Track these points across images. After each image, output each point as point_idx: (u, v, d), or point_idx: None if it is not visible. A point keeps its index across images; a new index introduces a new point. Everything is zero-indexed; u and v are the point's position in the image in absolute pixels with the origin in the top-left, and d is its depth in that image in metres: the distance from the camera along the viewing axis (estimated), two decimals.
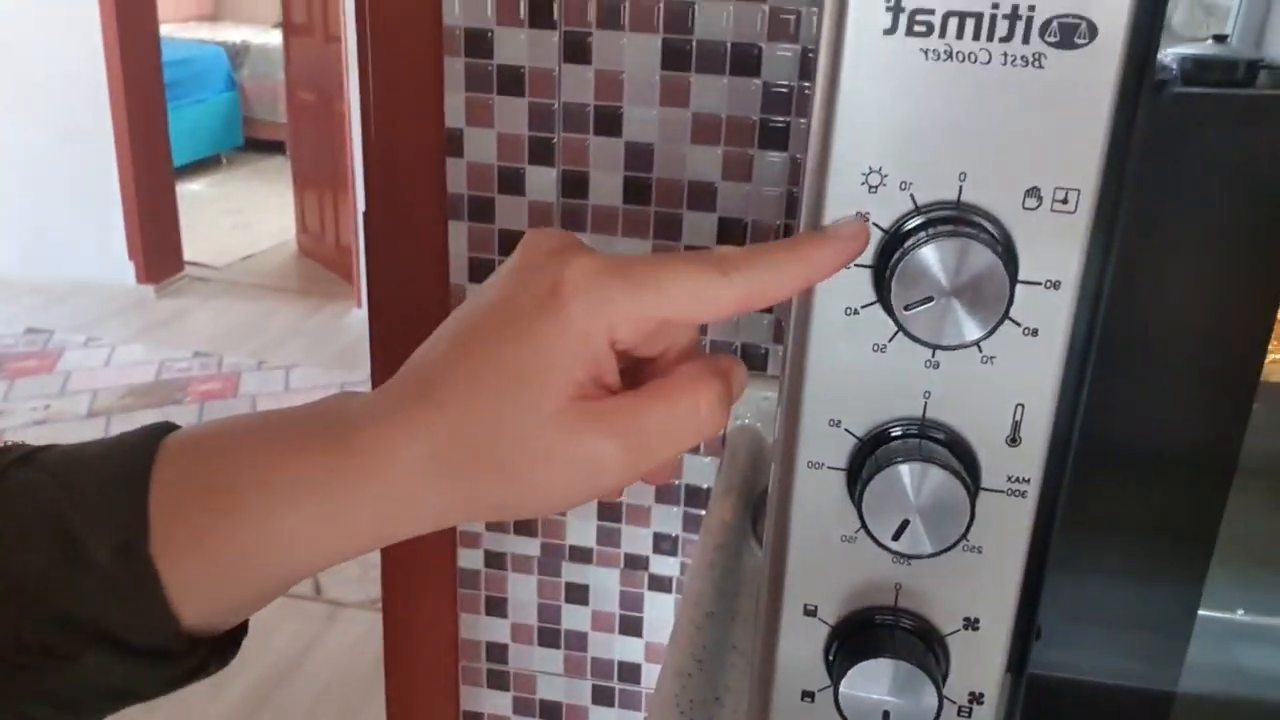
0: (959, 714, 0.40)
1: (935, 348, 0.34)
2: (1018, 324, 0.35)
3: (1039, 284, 0.34)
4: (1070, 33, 0.32)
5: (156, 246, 3.78)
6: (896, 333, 0.35)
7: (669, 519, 1.00)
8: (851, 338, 0.36)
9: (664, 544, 1.01)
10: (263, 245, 4.40)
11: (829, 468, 0.38)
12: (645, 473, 0.35)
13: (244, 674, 1.94)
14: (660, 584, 1.02)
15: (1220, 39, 0.41)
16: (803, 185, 0.36)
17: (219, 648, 0.35)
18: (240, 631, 0.36)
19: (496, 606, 1.06)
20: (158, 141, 3.75)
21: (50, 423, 2.84)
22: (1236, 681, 0.43)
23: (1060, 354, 0.35)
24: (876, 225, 0.35)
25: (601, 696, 1.07)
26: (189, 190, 4.92)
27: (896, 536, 0.36)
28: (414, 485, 0.33)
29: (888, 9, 0.33)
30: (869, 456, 0.37)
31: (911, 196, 0.34)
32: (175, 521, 0.33)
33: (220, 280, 4.05)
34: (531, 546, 1.02)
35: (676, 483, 0.99)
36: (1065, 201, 0.34)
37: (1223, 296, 0.35)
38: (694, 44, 0.85)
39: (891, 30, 0.33)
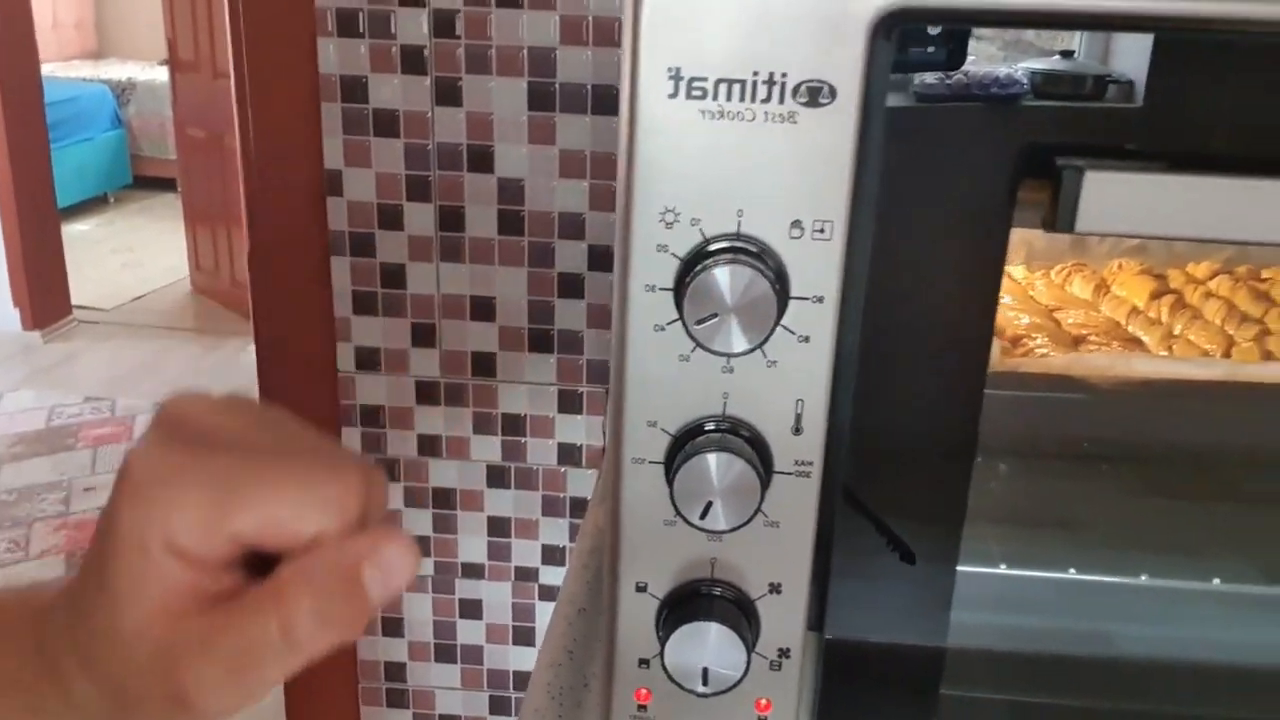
0: (771, 667, 0.47)
1: (723, 355, 0.41)
2: (792, 332, 0.42)
3: (807, 299, 0.42)
4: (815, 94, 0.39)
5: (42, 291, 3.69)
6: (696, 345, 0.42)
7: (557, 531, 1.06)
8: (660, 350, 0.43)
9: (553, 555, 1.07)
10: (155, 284, 4.32)
11: (649, 462, 0.44)
12: (262, 692, 0.30)
13: None
14: (550, 594, 1.07)
15: (1067, 55, 0.48)
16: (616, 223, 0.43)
17: None
18: None
19: (393, 626, 1.10)
20: (41, 184, 3.67)
21: None
22: (1002, 636, 0.50)
23: (829, 357, 0.43)
24: (674, 255, 0.41)
25: (499, 707, 1.12)
26: (76, 231, 4.81)
27: (703, 516, 0.43)
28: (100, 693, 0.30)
29: (669, 78, 0.39)
30: (680, 450, 0.43)
31: (701, 230, 0.41)
32: None
33: (111, 322, 3.97)
34: (425, 566, 1.07)
35: (562, 496, 1.05)
36: (823, 231, 0.41)
37: (953, 300, 0.43)
38: (557, 86, 0.91)
39: (674, 95, 0.40)
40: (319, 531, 0.30)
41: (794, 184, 0.40)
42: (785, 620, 0.46)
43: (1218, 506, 0.53)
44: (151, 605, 0.29)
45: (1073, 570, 0.50)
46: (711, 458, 0.42)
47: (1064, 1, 0.38)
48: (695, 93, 0.40)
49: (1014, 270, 0.75)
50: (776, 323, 0.40)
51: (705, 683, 0.45)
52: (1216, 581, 0.51)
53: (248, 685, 0.30)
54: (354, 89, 0.91)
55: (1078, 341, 0.60)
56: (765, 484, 0.44)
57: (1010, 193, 0.39)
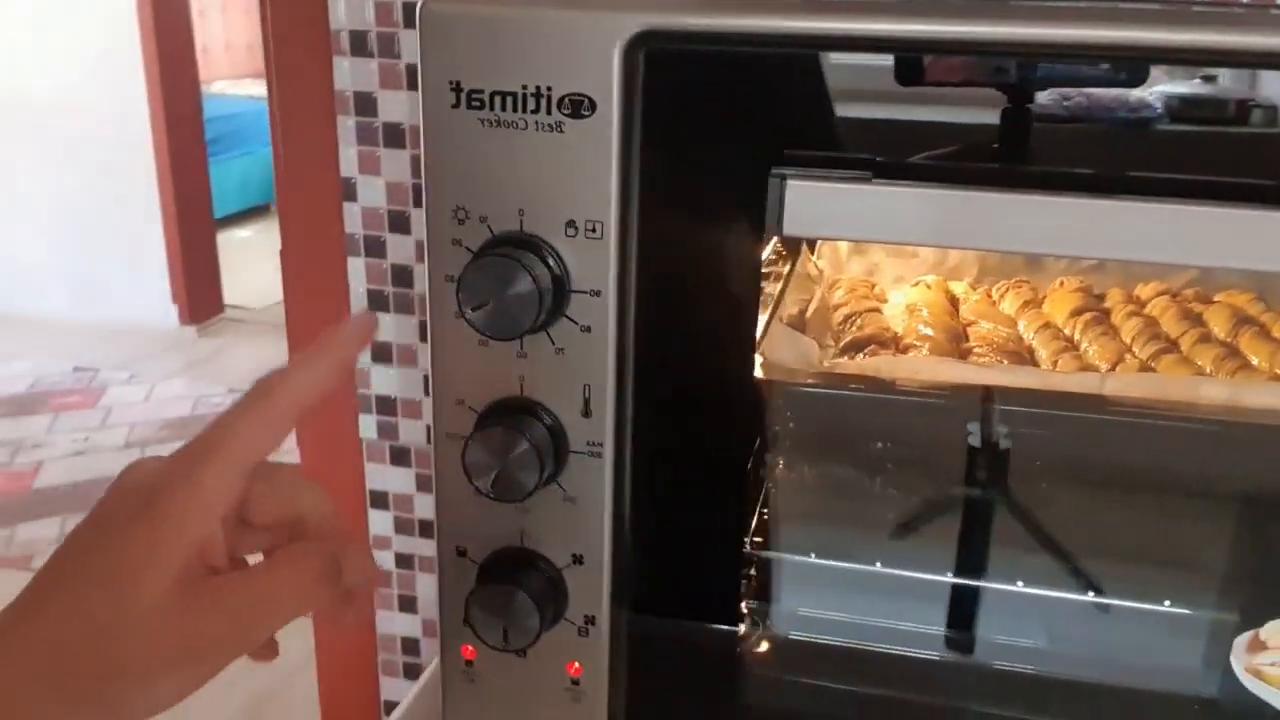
0: (579, 634, 0.51)
1: (491, 339, 0.46)
2: (575, 323, 0.46)
3: (586, 293, 0.46)
4: (578, 106, 0.43)
5: (197, 289, 4.00)
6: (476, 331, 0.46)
7: None
8: (463, 336, 0.47)
9: None
10: None
11: (460, 436, 0.49)
12: (256, 643, 0.37)
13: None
14: None
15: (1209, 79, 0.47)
16: None
17: None
18: None
19: (408, 604, 1.18)
20: (199, 192, 3.99)
21: (88, 454, 3.04)
22: (800, 623, 0.53)
23: (611, 345, 0.46)
24: (468, 249, 0.46)
25: None
26: (237, 236, 5.18)
27: (494, 485, 0.47)
28: (39, 702, 0.33)
29: (451, 90, 0.44)
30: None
31: (489, 227, 0.46)
32: None
33: (259, 321, 4.27)
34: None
35: None
36: (594, 230, 0.45)
37: (717, 296, 0.46)
38: None
39: (456, 105, 0.45)
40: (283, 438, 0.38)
41: (565, 188, 0.45)
42: (589, 589, 0.50)
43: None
44: (175, 577, 0.34)
45: (877, 564, 0.52)
46: (499, 433, 0.47)
47: (796, 27, 0.41)
48: (474, 103, 0.44)
49: (956, 286, 0.76)
50: (541, 312, 0.44)
51: (506, 640, 0.49)
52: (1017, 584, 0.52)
53: (252, 634, 0.36)
54: (365, 104, 0.99)
55: (964, 355, 0.61)
56: (557, 461, 0.48)
57: (750, 198, 0.42)
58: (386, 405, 1.12)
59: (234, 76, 6.01)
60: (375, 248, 1.04)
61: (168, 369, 3.71)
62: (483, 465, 0.47)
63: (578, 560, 0.50)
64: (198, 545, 0.36)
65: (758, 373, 0.49)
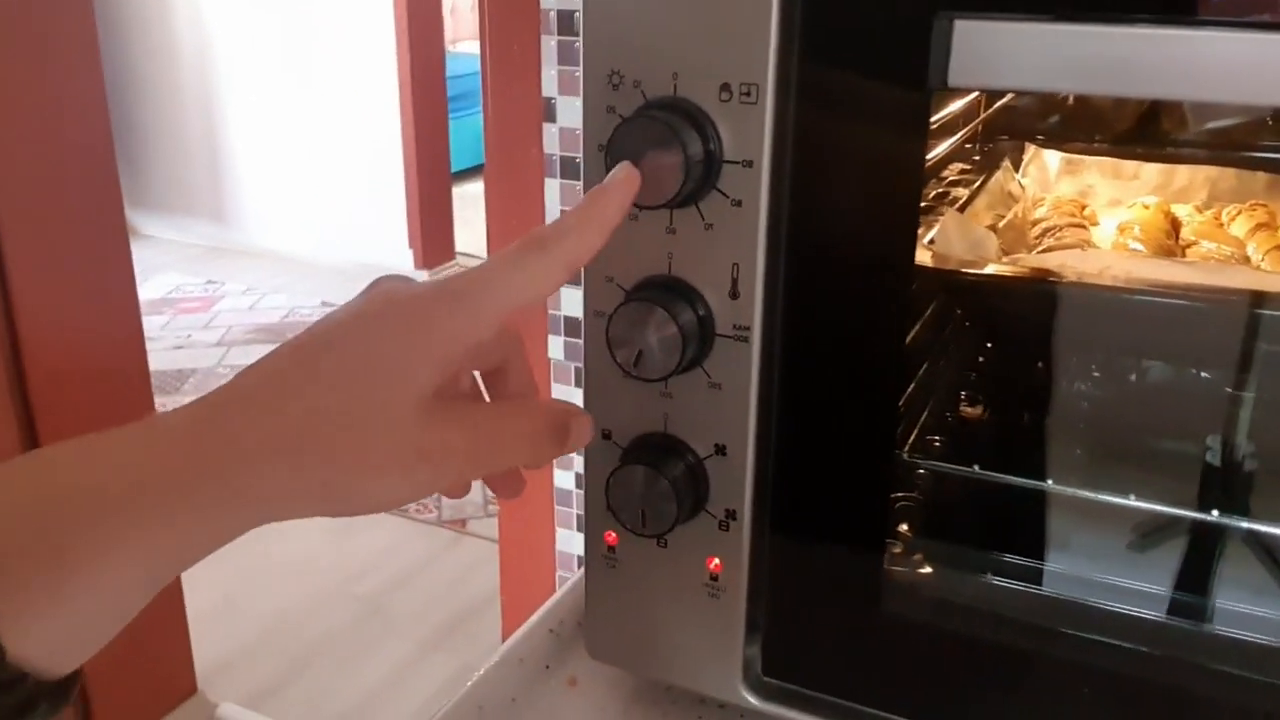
0: (720, 527, 0.49)
1: (639, 207, 0.44)
2: (726, 195, 0.44)
3: (738, 163, 0.44)
4: None
5: (431, 236, 4.23)
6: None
7: None
8: None
9: None
10: None
11: (608, 314, 0.48)
12: (485, 471, 0.38)
13: (364, 582, 2.20)
14: None
15: None
16: None
17: (51, 689, 0.32)
18: (71, 680, 0.33)
19: (577, 522, 1.20)
20: (439, 146, 4.19)
21: None
22: (950, 537, 0.48)
23: (762, 221, 0.44)
24: (620, 115, 0.45)
25: None
26: (472, 190, 5.43)
27: (635, 363, 0.46)
28: (268, 480, 0.33)
29: None
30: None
31: (643, 93, 0.45)
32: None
33: None
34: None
35: None
36: (749, 95, 0.43)
37: (878, 169, 0.42)
38: None
39: None
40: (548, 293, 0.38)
41: (721, 47, 0.42)
42: (731, 482, 0.48)
43: None
44: (429, 389, 0.35)
45: (1050, 481, 0.47)
46: (641, 307, 0.45)
47: None
48: None
49: (1180, 209, 0.68)
50: (688, 180, 0.42)
51: (644, 524, 0.49)
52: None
53: (481, 463, 0.37)
54: (566, 22, 0.99)
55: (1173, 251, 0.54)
56: (702, 343, 0.46)
57: (917, 58, 0.39)
58: (574, 327, 1.14)
59: (458, 39, 6.27)
60: (571, 170, 1.05)
61: None
62: (625, 339, 0.46)
63: (720, 450, 0.48)
64: (455, 365, 0.36)
65: (926, 260, 0.45)
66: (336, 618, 2.09)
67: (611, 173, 0.41)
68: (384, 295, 0.37)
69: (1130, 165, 0.72)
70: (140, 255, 1.60)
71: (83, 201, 1.43)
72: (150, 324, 2.93)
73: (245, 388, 0.34)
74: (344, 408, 0.34)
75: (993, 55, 0.35)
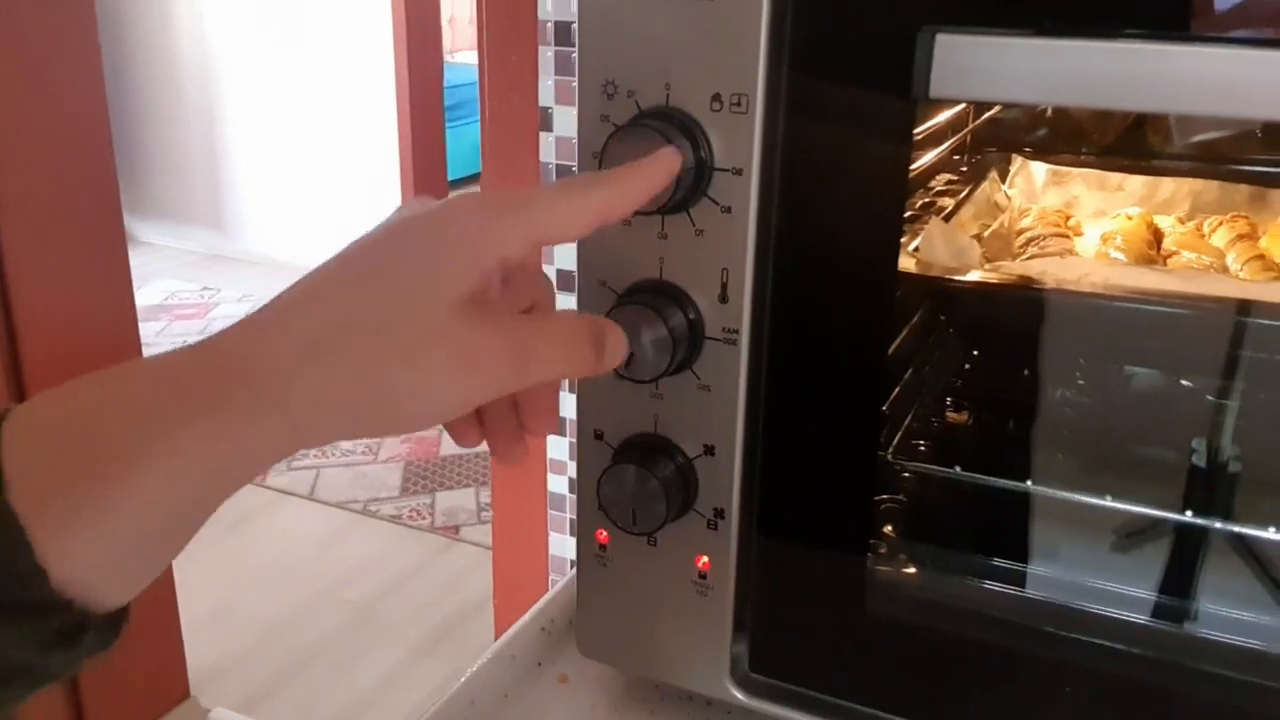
0: (708, 526, 0.50)
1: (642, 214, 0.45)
2: (716, 202, 0.46)
3: (728, 170, 0.45)
4: None
5: None
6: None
7: None
8: None
9: None
10: None
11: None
12: (527, 382, 0.37)
13: (356, 587, 2.21)
14: None
15: None
16: None
17: (100, 621, 0.32)
18: (121, 616, 0.33)
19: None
20: (435, 155, 4.21)
21: None
22: (931, 539, 0.50)
23: (751, 228, 0.45)
24: (614, 124, 0.46)
25: None
26: None
27: (627, 365, 0.47)
28: (304, 388, 0.32)
29: None
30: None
31: (636, 103, 0.46)
32: (36, 467, 0.30)
33: None
34: None
35: None
36: (739, 104, 0.44)
37: (865, 178, 0.44)
38: None
39: None
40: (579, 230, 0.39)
41: (712, 58, 0.44)
42: (719, 482, 0.50)
43: None
44: (468, 294, 0.34)
45: (1029, 483, 0.48)
46: (632, 310, 0.47)
47: None
48: None
49: (1162, 220, 0.70)
50: (679, 187, 0.44)
51: (634, 522, 0.50)
52: None
53: (520, 373, 0.36)
54: (564, 34, 1.01)
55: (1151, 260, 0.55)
56: (692, 345, 0.47)
57: (901, 70, 0.40)
58: None
59: (455, 50, 6.29)
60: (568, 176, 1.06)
61: None
62: None
63: (709, 451, 0.49)
64: (488, 273, 0.36)
65: (910, 267, 0.46)
66: (329, 623, 2.09)
67: (659, 151, 0.42)
68: (416, 208, 0.37)
69: (1115, 177, 0.73)
70: (137, 261, 1.61)
71: (82, 207, 1.44)
72: (146, 330, 2.94)
73: (283, 304, 0.34)
74: (378, 312, 0.33)
75: (973, 68, 0.37)
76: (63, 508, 0.30)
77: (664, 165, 0.42)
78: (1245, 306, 0.49)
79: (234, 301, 3.93)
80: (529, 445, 0.44)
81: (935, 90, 0.37)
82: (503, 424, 0.42)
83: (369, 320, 0.33)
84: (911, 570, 0.53)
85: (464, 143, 5.36)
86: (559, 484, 1.19)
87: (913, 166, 0.61)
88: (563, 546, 1.21)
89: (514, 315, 0.39)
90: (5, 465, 0.30)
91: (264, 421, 0.32)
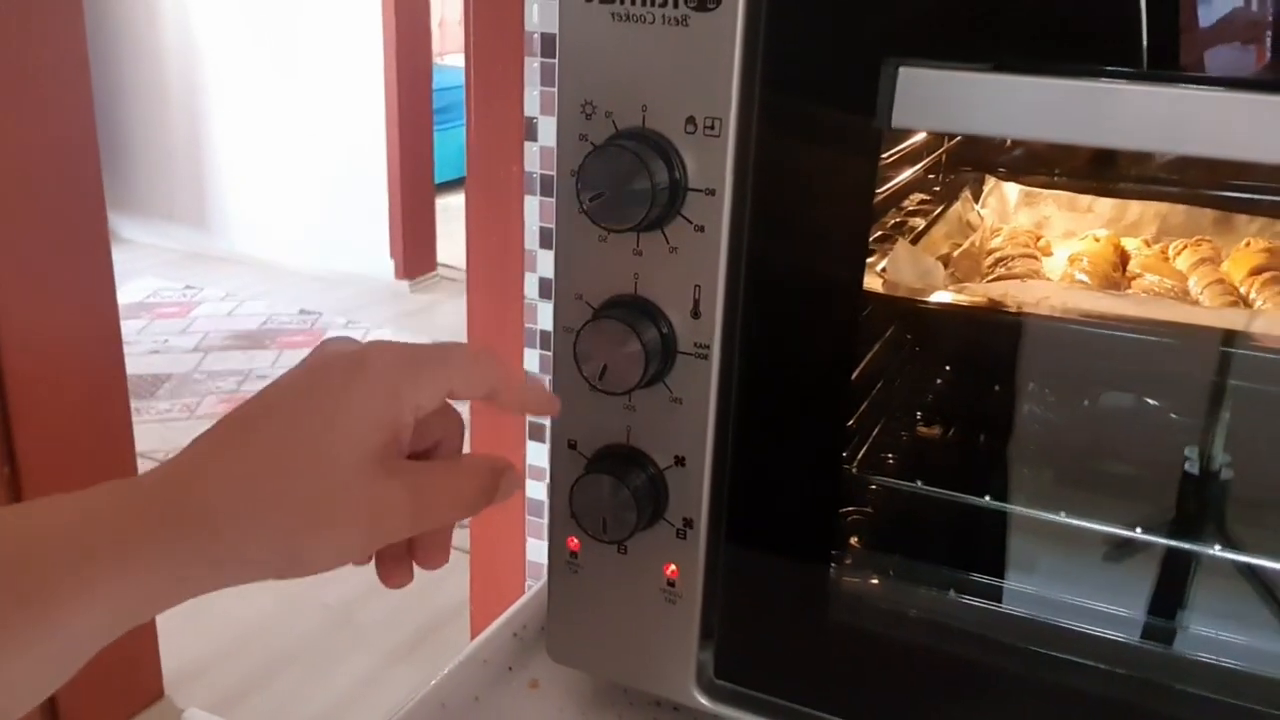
0: (678, 535, 0.52)
1: (608, 230, 0.47)
2: (689, 221, 0.47)
3: (701, 191, 0.46)
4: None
5: (413, 247, 4.24)
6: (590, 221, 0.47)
7: None
8: (583, 231, 0.49)
9: None
10: None
11: (576, 330, 0.51)
12: (424, 529, 0.41)
13: (333, 590, 2.20)
14: None
15: None
16: None
17: None
18: None
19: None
20: (423, 158, 4.22)
21: None
22: (893, 548, 0.51)
23: (723, 246, 0.47)
24: (592, 143, 0.48)
25: None
26: (455, 202, 5.45)
27: (601, 377, 0.49)
28: (227, 535, 0.35)
29: None
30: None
31: (613, 123, 0.47)
32: None
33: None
34: None
35: None
36: (713, 128, 0.45)
37: (835, 202, 0.45)
38: None
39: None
40: (484, 392, 0.42)
41: (687, 83, 0.45)
42: (689, 492, 0.51)
43: None
44: (375, 447, 0.37)
45: (986, 497, 0.50)
46: (607, 324, 0.48)
47: None
48: None
49: (1129, 242, 0.72)
50: (654, 205, 0.45)
51: (605, 530, 0.51)
52: None
53: (422, 517, 0.40)
54: (551, 45, 1.02)
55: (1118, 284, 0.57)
56: (664, 359, 0.49)
57: (869, 98, 0.41)
58: (549, 341, 1.16)
59: (445, 52, 6.30)
60: (551, 188, 1.07)
61: (381, 317, 3.96)
62: (591, 354, 0.48)
63: (680, 462, 0.50)
64: (402, 429, 0.38)
65: (877, 287, 0.48)
66: (305, 626, 2.09)
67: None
68: (339, 354, 0.39)
69: (1085, 199, 0.75)
70: (119, 259, 1.61)
71: (65, 204, 1.44)
72: (127, 328, 2.93)
73: (207, 449, 0.37)
74: (297, 464, 0.36)
75: (935, 100, 0.38)
76: None
77: (550, 405, 0.47)
78: (1200, 332, 0.51)
79: (216, 300, 3.92)
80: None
81: (898, 120, 0.39)
82: (395, 554, 0.44)
83: (286, 479, 0.36)
84: (876, 581, 0.54)
85: (451, 145, 5.36)
86: (537, 490, 1.20)
87: (885, 187, 0.62)
88: (540, 552, 1.22)
89: (416, 465, 0.41)
90: None
91: (191, 563, 0.35)
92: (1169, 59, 0.38)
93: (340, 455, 0.37)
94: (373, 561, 0.44)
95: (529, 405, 0.47)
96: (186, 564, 0.35)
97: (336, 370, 0.38)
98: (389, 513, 0.38)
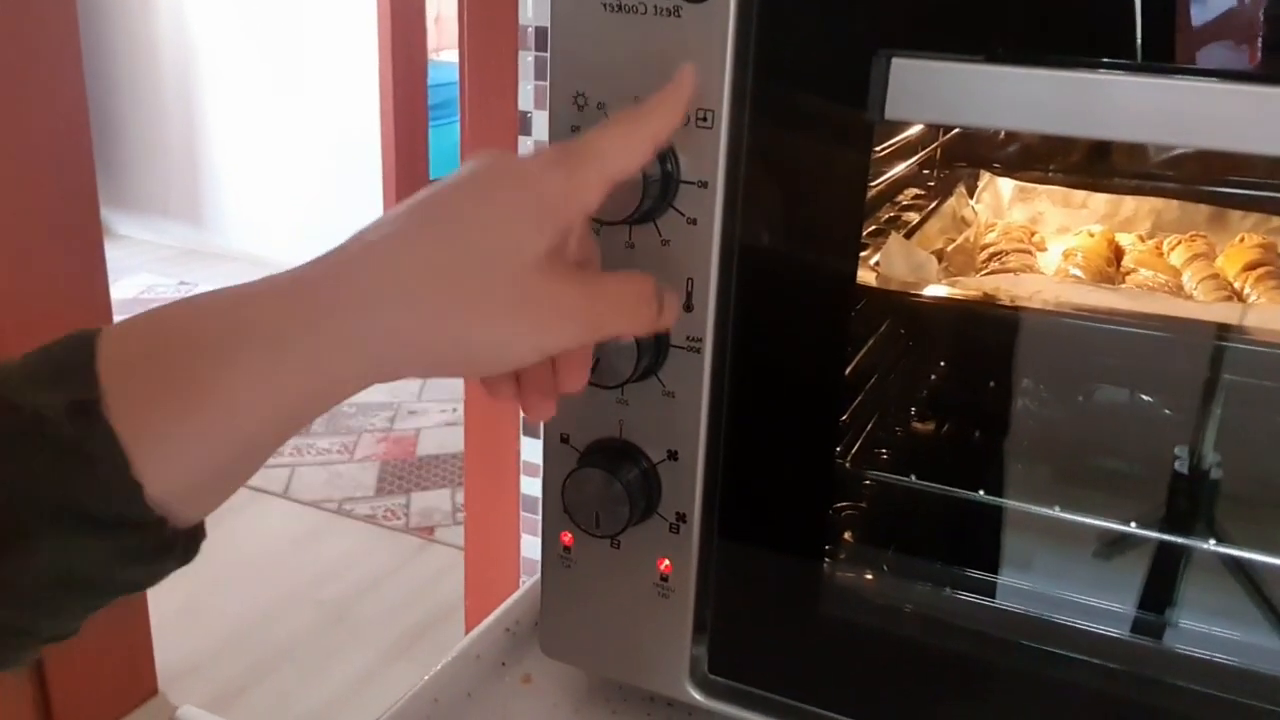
0: (670, 530, 0.51)
1: (600, 223, 0.46)
2: (682, 214, 0.47)
3: (694, 183, 0.46)
4: None
5: None
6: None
7: None
8: None
9: None
10: None
11: None
12: (594, 337, 0.39)
13: (328, 587, 2.20)
14: None
15: None
16: None
17: (185, 535, 0.34)
18: (199, 532, 0.35)
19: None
20: (418, 154, 4.21)
21: None
22: (885, 543, 0.51)
23: (716, 239, 0.46)
24: None
25: None
26: None
27: (593, 371, 0.48)
28: (401, 309, 0.34)
29: None
30: None
31: (605, 114, 0.47)
32: (131, 383, 0.31)
33: None
34: None
35: None
36: (705, 120, 0.45)
37: (828, 195, 0.45)
38: None
39: None
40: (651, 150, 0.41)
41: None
42: (682, 487, 0.51)
43: None
44: (548, 247, 0.36)
45: (980, 491, 0.50)
46: None
47: None
48: None
49: (1124, 238, 0.71)
50: (646, 199, 0.45)
51: (598, 524, 0.51)
52: None
53: (594, 324, 0.38)
54: (544, 40, 1.02)
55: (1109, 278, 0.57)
56: (657, 353, 0.48)
57: (861, 91, 0.41)
58: None
59: (441, 48, 6.28)
60: None
61: None
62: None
63: (672, 456, 0.50)
64: (566, 228, 0.37)
65: (871, 280, 0.47)
66: (300, 623, 2.09)
67: (676, 76, 0.42)
68: (498, 160, 0.38)
69: (1079, 194, 0.75)
70: (113, 255, 1.60)
71: (58, 199, 1.44)
72: None
73: (370, 241, 0.35)
74: (464, 259, 0.35)
75: (927, 92, 0.38)
76: (159, 427, 0.31)
77: (687, 81, 0.42)
78: (1194, 326, 0.51)
79: None
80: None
81: (890, 112, 0.38)
82: (540, 381, 0.42)
83: (455, 266, 0.34)
84: (869, 576, 0.54)
85: (447, 141, 5.34)
86: (532, 486, 1.20)
87: (878, 181, 0.62)
88: (535, 549, 1.22)
89: (586, 272, 0.40)
90: (103, 384, 0.31)
91: (349, 352, 0.34)
92: (1163, 52, 0.38)
93: (513, 252, 0.35)
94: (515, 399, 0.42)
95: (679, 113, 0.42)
96: (340, 354, 0.33)
97: (503, 175, 0.37)
98: (564, 314, 0.37)
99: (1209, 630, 0.50)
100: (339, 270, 0.34)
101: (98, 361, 0.31)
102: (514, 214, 0.36)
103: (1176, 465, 0.59)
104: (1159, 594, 0.53)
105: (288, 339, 0.33)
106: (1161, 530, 0.56)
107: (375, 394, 3.13)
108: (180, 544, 0.33)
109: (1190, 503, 0.59)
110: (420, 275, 0.34)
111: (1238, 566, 0.53)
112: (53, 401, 0.30)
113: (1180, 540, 0.54)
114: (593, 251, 0.43)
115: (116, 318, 1.61)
